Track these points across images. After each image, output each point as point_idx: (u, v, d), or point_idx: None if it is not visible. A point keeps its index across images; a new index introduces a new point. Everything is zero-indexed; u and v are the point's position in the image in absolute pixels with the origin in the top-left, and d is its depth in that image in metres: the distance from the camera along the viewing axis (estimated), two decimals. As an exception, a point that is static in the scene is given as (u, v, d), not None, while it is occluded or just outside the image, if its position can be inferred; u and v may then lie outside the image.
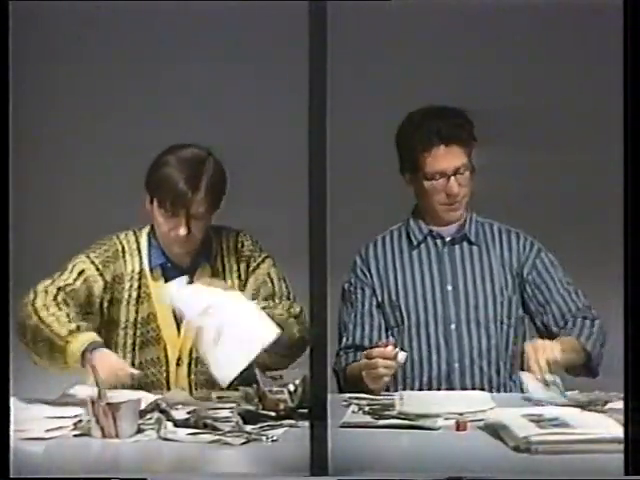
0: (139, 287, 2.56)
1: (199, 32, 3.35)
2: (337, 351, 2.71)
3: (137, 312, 2.56)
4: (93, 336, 2.40)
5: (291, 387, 2.20)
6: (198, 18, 3.27)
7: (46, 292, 2.46)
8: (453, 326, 2.65)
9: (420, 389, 2.65)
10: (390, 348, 2.44)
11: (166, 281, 2.56)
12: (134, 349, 2.56)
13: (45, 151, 2.64)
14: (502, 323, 2.66)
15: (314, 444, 1.77)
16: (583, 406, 2.23)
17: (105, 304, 2.55)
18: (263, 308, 2.45)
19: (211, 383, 2.47)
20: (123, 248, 2.59)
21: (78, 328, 2.40)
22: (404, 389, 2.65)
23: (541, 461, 1.91)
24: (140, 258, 2.58)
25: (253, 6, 3.10)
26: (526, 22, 3.29)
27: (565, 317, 2.66)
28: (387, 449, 2.06)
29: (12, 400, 1.86)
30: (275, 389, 2.20)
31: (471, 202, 2.75)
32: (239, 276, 2.60)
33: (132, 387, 2.37)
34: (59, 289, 2.48)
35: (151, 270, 2.58)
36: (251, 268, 2.61)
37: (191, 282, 2.54)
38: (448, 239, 2.72)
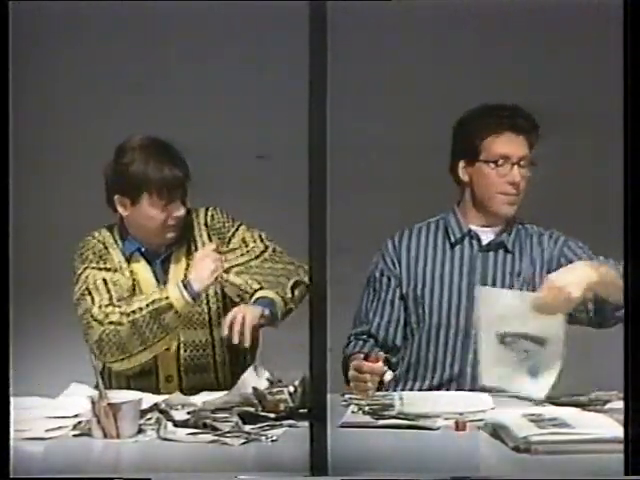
0: (129, 278, 2.57)
1: (200, 32, 3.35)
2: (350, 334, 2.69)
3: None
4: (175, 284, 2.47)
5: (291, 388, 2.20)
6: (198, 18, 3.27)
7: (106, 313, 2.49)
8: (474, 331, 2.59)
9: (429, 390, 2.61)
10: (380, 365, 2.39)
11: (148, 263, 2.58)
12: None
13: (45, 151, 2.64)
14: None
15: (314, 444, 1.77)
16: (583, 406, 2.23)
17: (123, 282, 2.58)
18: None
19: (202, 369, 2.52)
20: (105, 242, 2.61)
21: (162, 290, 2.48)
22: (412, 388, 2.63)
23: (541, 461, 1.91)
24: (122, 250, 2.60)
25: (254, 6, 3.10)
26: (526, 22, 3.29)
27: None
28: (387, 449, 2.07)
29: (12, 400, 1.86)
30: (275, 390, 2.20)
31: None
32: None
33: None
34: (109, 305, 2.50)
35: (130, 256, 2.59)
36: (226, 240, 2.60)
37: (169, 264, 2.57)
38: (485, 243, 2.66)
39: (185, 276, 2.51)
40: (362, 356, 2.46)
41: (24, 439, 2.04)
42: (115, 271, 2.57)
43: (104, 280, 2.54)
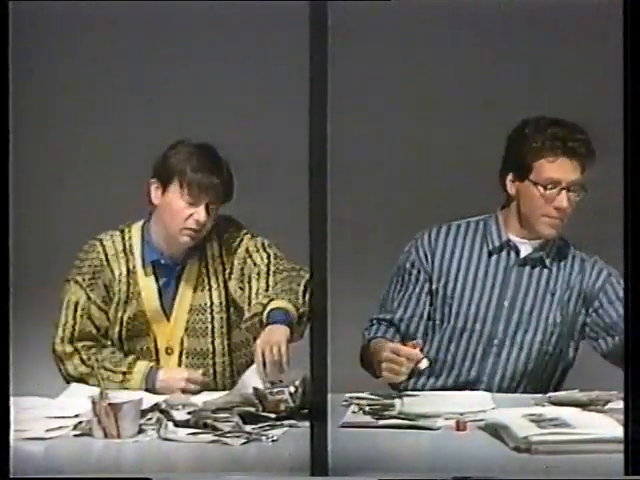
0: (127, 289, 2.57)
1: (199, 32, 3.35)
2: (372, 318, 2.66)
3: (125, 311, 2.57)
4: (143, 368, 2.51)
5: (291, 388, 2.20)
6: (198, 18, 3.26)
7: (67, 353, 2.54)
8: (496, 342, 2.58)
9: (442, 389, 2.59)
10: (417, 351, 2.36)
11: (156, 278, 2.58)
12: (121, 341, 2.57)
13: (45, 151, 2.64)
14: (546, 353, 2.59)
15: (314, 444, 1.77)
16: (583, 406, 2.23)
17: (104, 319, 2.58)
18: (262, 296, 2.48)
19: (200, 361, 2.54)
20: (106, 254, 2.59)
21: (124, 373, 2.51)
22: (425, 385, 2.62)
23: (541, 461, 1.91)
24: (127, 259, 2.59)
25: (254, 6, 3.10)
26: (526, 22, 3.28)
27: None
28: (387, 449, 2.07)
29: (12, 400, 1.86)
30: (275, 390, 2.20)
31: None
32: (222, 263, 2.58)
33: (201, 391, 2.48)
34: (71, 340, 2.55)
35: (143, 267, 2.58)
36: (232, 251, 2.59)
37: (180, 275, 2.57)
38: (523, 255, 2.63)
39: (155, 363, 2.55)
40: (399, 339, 2.46)
41: (24, 439, 2.04)
42: (101, 301, 2.57)
43: (82, 309, 2.56)
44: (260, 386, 2.22)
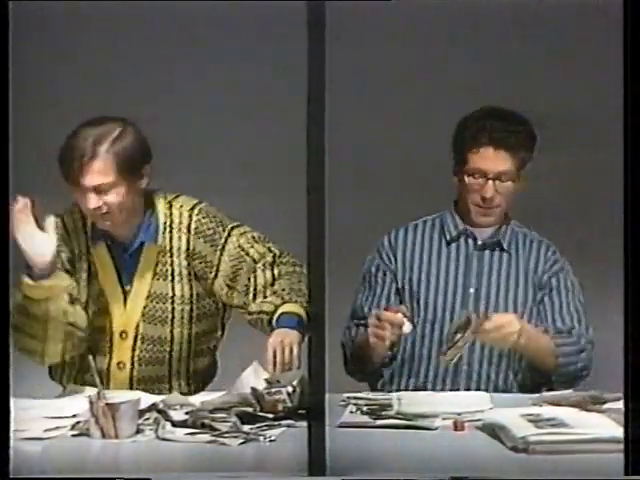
0: (89, 267, 2.52)
1: (198, 32, 3.35)
2: (347, 324, 2.70)
3: (89, 292, 2.52)
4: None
5: (289, 388, 2.19)
6: (197, 18, 3.27)
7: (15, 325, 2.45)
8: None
9: (425, 384, 2.64)
10: (399, 316, 2.44)
11: (112, 257, 2.52)
12: (88, 319, 2.51)
13: (45, 151, 2.63)
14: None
15: (312, 444, 1.77)
16: (580, 406, 2.23)
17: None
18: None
19: (156, 361, 2.51)
20: (67, 230, 2.54)
21: None
22: (409, 380, 2.65)
23: (539, 461, 1.91)
24: (86, 236, 2.54)
25: (251, 6, 3.10)
26: (525, 22, 3.28)
27: (562, 333, 2.63)
28: (385, 449, 2.07)
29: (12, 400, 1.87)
30: (273, 390, 2.20)
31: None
32: (205, 259, 2.52)
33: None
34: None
35: (96, 248, 2.53)
36: (219, 247, 2.53)
37: (137, 262, 2.51)
38: (480, 242, 2.69)
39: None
40: (383, 307, 2.51)
41: (22, 439, 2.04)
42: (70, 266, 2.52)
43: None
44: (258, 386, 2.22)
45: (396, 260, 2.70)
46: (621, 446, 1.94)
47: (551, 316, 2.65)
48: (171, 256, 2.53)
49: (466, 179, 2.64)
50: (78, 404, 2.19)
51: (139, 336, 2.54)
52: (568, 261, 2.74)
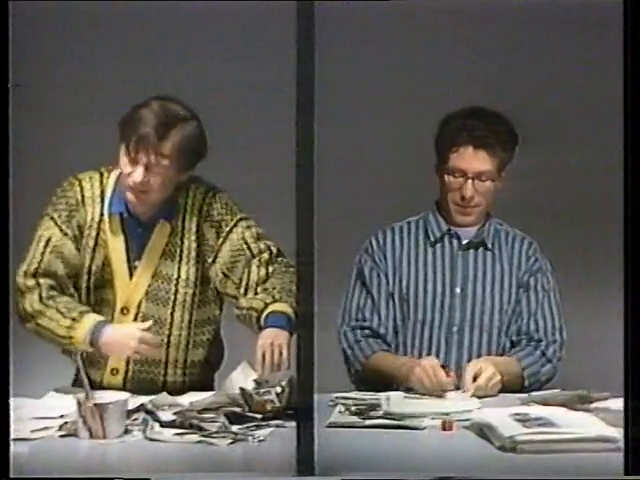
0: (97, 235, 2.52)
1: (193, 31, 3.34)
2: (352, 327, 2.68)
3: (93, 258, 2.51)
4: (92, 320, 2.43)
5: (278, 388, 2.20)
6: (196, 17, 3.26)
7: (28, 287, 2.47)
8: (455, 329, 2.64)
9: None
10: (450, 380, 2.45)
11: (124, 230, 2.52)
12: (89, 290, 2.52)
13: (45, 151, 2.62)
14: (500, 332, 2.64)
15: (301, 444, 1.77)
16: (568, 405, 2.24)
17: (77, 260, 2.52)
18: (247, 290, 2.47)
19: (156, 328, 2.49)
20: (83, 196, 2.54)
21: (74, 319, 2.43)
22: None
23: (527, 460, 1.92)
24: (102, 205, 2.53)
25: (242, 6, 3.10)
26: (523, 22, 3.28)
27: (529, 336, 2.64)
28: (373, 449, 2.07)
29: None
30: (262, 391, 2.20)
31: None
32: (208, 243, 2.52)
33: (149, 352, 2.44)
34: (35, 274, 2.48)
35: (110, 217, 2.52)
36: (223, 234, 2.53)
37: (148, 238, 2.51)
38: (465, 242, 2.70)
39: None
40: (439, 363, 2.50)
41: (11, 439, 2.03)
42: (74, 239, 2.52)
43: (53, 245, 2.50)
44: (247, 387, 2.22)
45: (387, 262, 2.71)
46: (608, 445, 1.96)
47: (527, 317, 2.66)
48: (182, 237, 2.52)
49: (446, 178, 2.65)
50: (66, 404, 2.18)
51: (140, 314, 2.52)
52: (569, 261, 2.73)
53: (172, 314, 2.53)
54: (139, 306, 2.52)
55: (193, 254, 2.53)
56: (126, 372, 2.54)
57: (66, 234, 2.51)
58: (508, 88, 3.22)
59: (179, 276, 2.53)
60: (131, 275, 2.53)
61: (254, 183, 3.03)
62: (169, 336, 2.54)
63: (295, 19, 1.76)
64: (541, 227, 2.81)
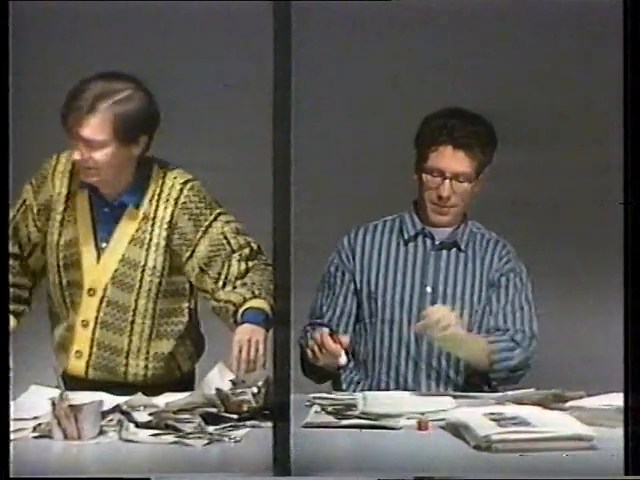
0: (64, 210, 2.51)
1: (173, 31, 3.34)
2: (305, 326, 2.69)
3: (60, 235, 2.50)
4: None
5: (254, 389, 2.19)
6: (192, 18, 3.26)
7: None
8: None
9: (387, 384, 2.65)
10: (338, 347, 2.46)
11: (91, 208, 2.51)
12: (59, 269, 2.51)
13: (45, 151, 2.61)
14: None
15: (277, 444, 1.77)
16: (543, 404, 2.25)
17: (36, 230, 2.52)
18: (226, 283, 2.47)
19: (117, 329, 2.50)
20: (55, 169, 2.53)
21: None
22: (372, 382, 2.66)
23: (502, 459, 1.93)
24: (71, 180, 2.52)
25: (218, 5, 3.09)
26: (522, 21, 3.28)
27: (497, 327, 2.65)
28: (350, 449, 2.07)
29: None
30: (238, 391, 2.19)
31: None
32: (184, 235, 2.49)
33: None
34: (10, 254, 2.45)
35: (77, 192, 2.51)
36: (202, 228, 2.50)
37: (116, 222, 2.50)
38: (438, 242, 2.71)
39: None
40: (328, 331, 2.51)
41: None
42: (38, 213, 2.52)
43: (24, 209, 2.52)
44: (223, 387, 2.21)
45: (354, 260, 2.72)
46: (583, 444, 1.97)
47: (495, 311, 2.67)
48: (152, 225, 2.50)
49: (424, 177, 2.66)
50: (40, 405, 2.16)
51: (105, 298, 2.51)
52: (567, 261, 2.73)
53: (136, 301, 2.51)
54: (105, 289, 2.51)
55: (163, 243, 2.50)
56: (89, 355, 2.52)
57: (36, 199, 2.51)
58: (508, 88, 3.23)
59: (146, 264, 2.50)
60: (99, 257, 2.51)
61: (231, 182, 3.03)
62: (132, 323, 2.52)
63: (272, 18, 1.76)
64: (541, 227, 2.81)
